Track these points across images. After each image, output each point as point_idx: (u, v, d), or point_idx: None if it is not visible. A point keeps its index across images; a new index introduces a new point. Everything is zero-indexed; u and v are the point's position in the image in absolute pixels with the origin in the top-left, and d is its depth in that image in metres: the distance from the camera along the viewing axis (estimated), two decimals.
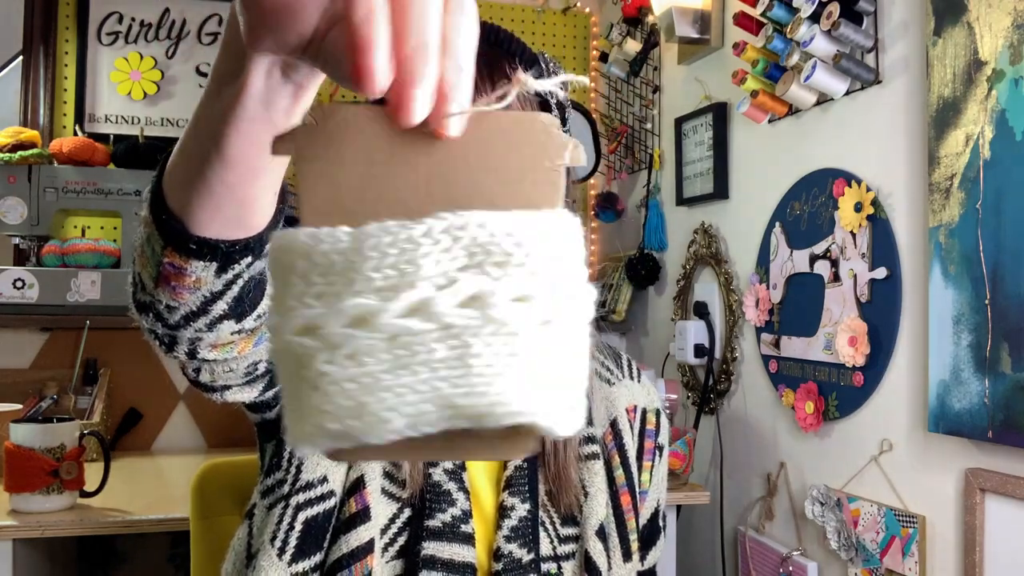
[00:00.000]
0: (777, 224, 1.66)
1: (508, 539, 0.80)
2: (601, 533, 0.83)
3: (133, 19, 2.22)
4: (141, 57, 2.21)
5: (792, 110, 1.62)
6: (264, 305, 0.56)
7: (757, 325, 1.71)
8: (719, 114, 1.87)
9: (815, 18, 1.45)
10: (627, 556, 0.84)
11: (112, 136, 2.11)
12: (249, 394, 0.71)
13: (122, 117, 2.20)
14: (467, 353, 0.30)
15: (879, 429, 1.41)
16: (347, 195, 0.31)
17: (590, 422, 0.87)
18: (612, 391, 0.90)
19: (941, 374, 1.24)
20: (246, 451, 1.64)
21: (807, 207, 1.58)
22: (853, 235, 1.45)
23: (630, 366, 0.94)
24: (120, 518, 1.40)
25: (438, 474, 0.80)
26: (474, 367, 0.30)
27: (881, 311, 1.40)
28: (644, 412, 0.91)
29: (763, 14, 1.56)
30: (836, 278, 1.49)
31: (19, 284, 1.85)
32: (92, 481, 1.45)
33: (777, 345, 1.65)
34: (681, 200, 2.04)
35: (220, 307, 0.55)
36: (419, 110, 0.32)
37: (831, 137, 1.53)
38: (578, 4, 2.58)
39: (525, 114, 0.34)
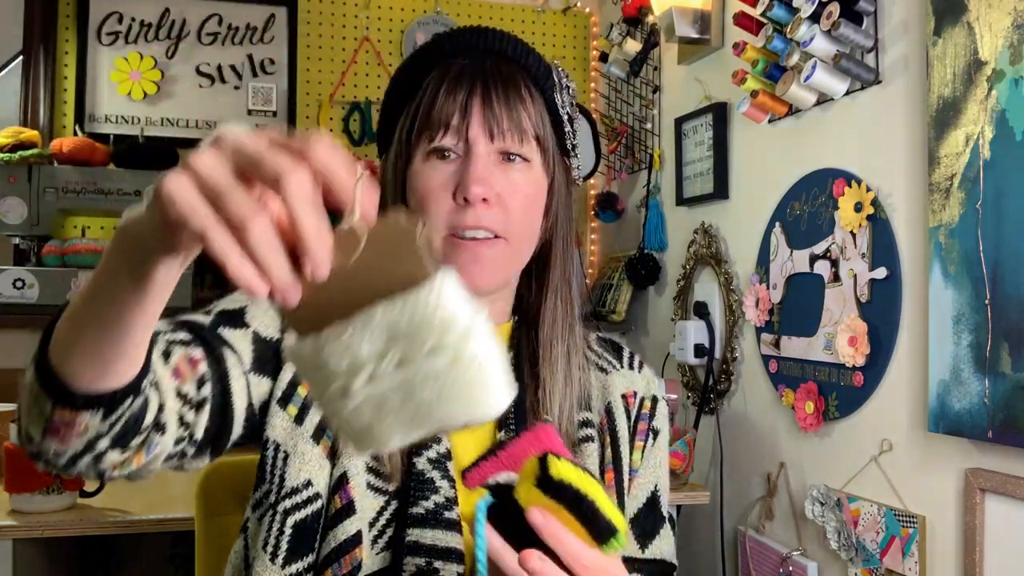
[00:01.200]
0: (777, 224, 1.66)
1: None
2: None
3: (133, 19, 2.22)
4: (141, 57, 2.21)
5: (792, 110, 1.62)
6: (144, 425, 0.62)
7: (757, 325, 1.71)
8: (719, 114, 1.87)
9: (815, 18, 1.45)
10: None
11: (112, 136, 2.12)
12: (203, 462, 0.75)
13: (122, 117, 2.20)
14: (412, 394, 0.46)
15: (879, 429, 1.41)
16: (304, 309, 0.44)
17: (587, 407, 0.89)
18: (608, 379, 0.92)
19: (941, 374, 1.24)
20: (247, 451, 1.64)
21: (807, 207, 1.58)
22: (853, 235, 1.45)
23: (631, 358, 0.96)
24: (120, 518, 1.40)
25: (422, 463, 0.81)
26: (422, 402, 0.46)
27: (881, 311, 1.40)
28: (643, 399, 0.93)
29: (763, 14, 1.56)
30: (836, 278, 1.49)
31: (19, 284, 1.85)
32: (92, 481, 1.45)
33: (777, 345, 1.65)
34: (681, 200, 2.04)
35: (104, 443, 0.60)
36: (289, 294, 0.42)
37: (831, 137, 1.53)
38: (578, 4, 2.58)
39: (386, 222, 0.45)
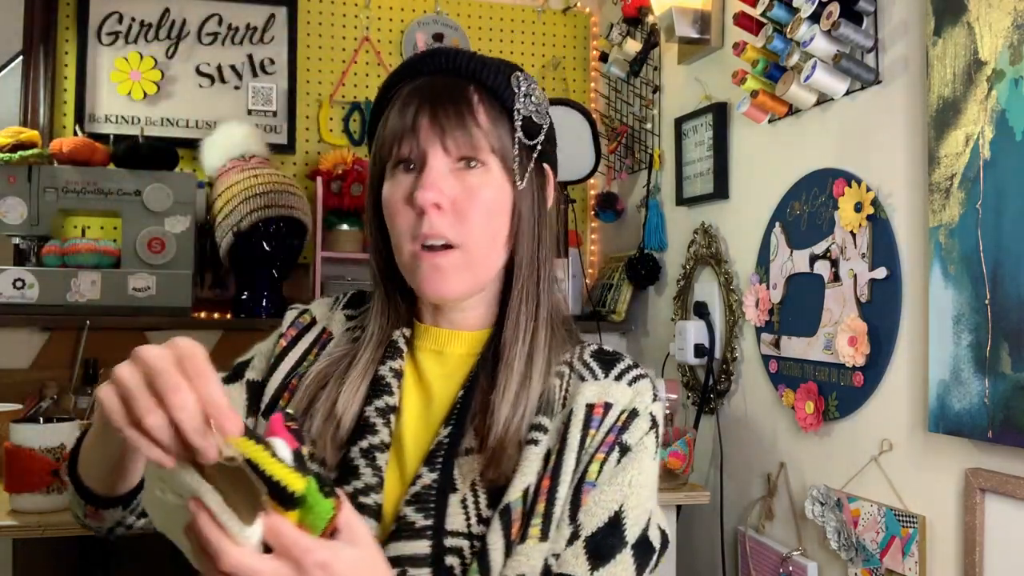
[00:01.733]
0: (777, 224, 1.66)
1: (408, 503, 0.84)
2: (505, 511, 0.82)
3: (133, 19, 2.22)
4: (141, 57, 2.21)
5: (792, 110, 1.62)
6: None
7: (757, 325, 1.71)
8: (719, 114, 1.87)
9: (815, 18, 1.45)
10: (523, 537, 0.81)
11: (112, 136, 2.11)
12: None
13: (122, 117, 2.20)
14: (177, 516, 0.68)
15: (879, 429, 1.41)
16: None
17: (548, 412, 0.87)
18: (580, 386, 0.89)
19: (941, 374, 1.24)
20: None
21: (807, 207, 1.58)
22: (853, 235, 1.45)
23: (625, 371, 0.91)
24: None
25: (353, 452, 0.88)
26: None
27: (881, 311, 1.40)
28: (620, 412, 0.88)
29: (763, 14, 1.56)
30: (836, 278, 1.49)
31: (19, 284, 1.85)
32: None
33: (777, 345, 1.65)
34: (681, 200, 2.04)
35: (130, 519, 0.90)
36: (166, 461, 0.62)
37: (831, 137, 1.53)
38: (578, 4, 2.58)
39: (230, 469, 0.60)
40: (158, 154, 2.00)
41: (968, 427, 1.19)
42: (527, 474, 0.84)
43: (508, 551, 0.81)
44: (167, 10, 2.24)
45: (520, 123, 0.91)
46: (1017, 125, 1.13)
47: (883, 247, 1.40)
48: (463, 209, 0.87)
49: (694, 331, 1.89)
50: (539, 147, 0.93)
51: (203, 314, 2.10)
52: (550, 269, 0.96)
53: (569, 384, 0.89)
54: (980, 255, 1.18)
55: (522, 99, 0.91)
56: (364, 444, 0.88)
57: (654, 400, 0.91)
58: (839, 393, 1.49)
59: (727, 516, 1.83)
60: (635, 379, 0.91)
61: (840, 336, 1.45)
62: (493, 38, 2.52)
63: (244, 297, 2.10)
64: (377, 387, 0.91)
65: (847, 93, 1.48)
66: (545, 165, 0.95)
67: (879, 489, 1.41)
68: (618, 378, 0.90)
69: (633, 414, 0.88)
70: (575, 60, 2.58)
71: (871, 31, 1.43)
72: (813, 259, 1.55)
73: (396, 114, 0.88)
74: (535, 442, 0.85)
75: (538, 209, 0.94)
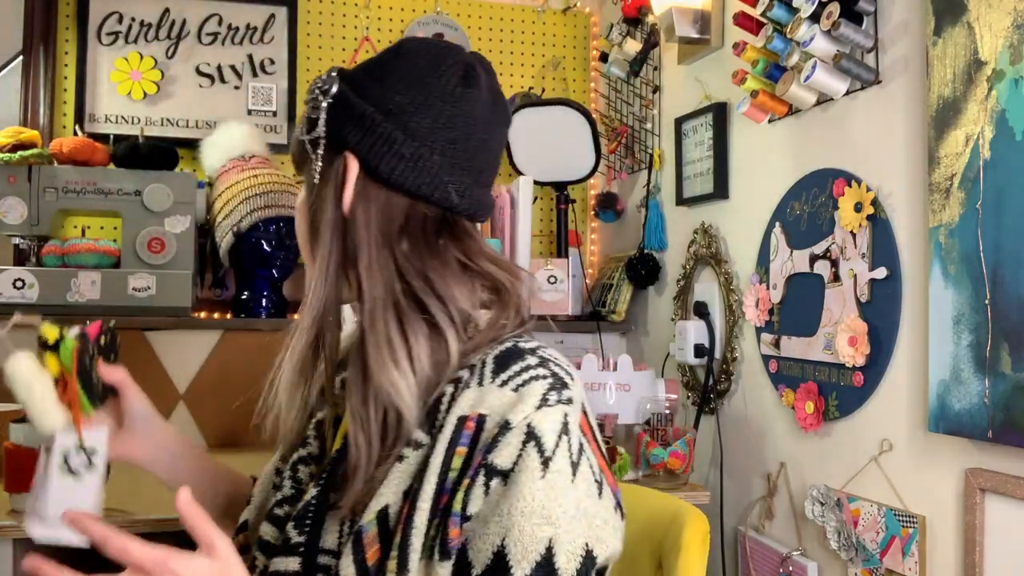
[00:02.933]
0: (777, 224, 1.66)
1: (292, 519, 0.84)
2: (357, 535, 0.76)
3: (133, 19, 2.22)
4: (141, 57, 2.21)
5: (792, 110, 1.62)
6: None
7: (757, 325, 1.71)
8: (719, 114, 1.87)
9: (815, 18, 1.45)
10: (382, 572, 0.75)
11: (112, 136, 2.11)
12: None
13: (122, 117, 2.20)
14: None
15: (879, 429, 1.41)
16: None
17: (426, 425, 0.78)
18: (462, 395, 0.77)
19: (941, 374, 1.24)
20: (247, 451, 1.65)
21: (807, 207, 1.58)
22: (853, 235, 1.45)
23: (516, 374, 0.77)
24: (120, 518, 1.40)
25: (284, 464, 0.91)
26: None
27: (881, 311, 1.40)
28: (495, 425, 0.74)
29: (763, 14, 1.56)
30: (836, 278, 1.49)
31: (19, 284, 1.85)
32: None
33: (777, 345, 1.65)
34: (681, 200, 2.04)
35: None
36: None
37: (831, 137, 1.53)
38: (578, 4, 2.58)
39: None
40: (158, 154, 2.00)
41: (968, 427, 1.19)
42: (384, 494, 0.76)
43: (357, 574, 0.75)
44: (167, 10, 2.24)
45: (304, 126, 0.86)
46: (1017, 125, 1.13)
47: (883, 247, 1.40)
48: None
49: (694, 331, 1.89)
50: (322, 138, 0.84)
51: (203, 314, 2.10)
52: (370, 256, 0.82)
53: (456, 393, 0.78)
54: (980, 255, 1.18)
55: (307, 104, 0.87)
56: (294, 456, 0.90)
57: (540, 407, 0.74)
58: (839, 393, 1.49)
59: (727, 516, 1.84)
60: (524, 383, 0.76)
61: (840, 336, 1.45)
62: (493, 38, 2.52)
63: (244, 297, 2.10)
64: (323, 397, 0.91)
65: (847, 93, 1.48)
66: (347, 153, 0.83)
67: (879, 489, 1.41)
68: (504, 384, 0.76)
69: (504, 428, 0.73)
70: (575, 60, 2.58)
71: (871, 31, 1.43)
72: (813, 259, 1.55)
73: None
74: (401, 458, 0.77)
75: (323, 203, 0.84)
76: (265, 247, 2.03)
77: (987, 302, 1.17)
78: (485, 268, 0.85)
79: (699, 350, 1.89)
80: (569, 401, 0.77)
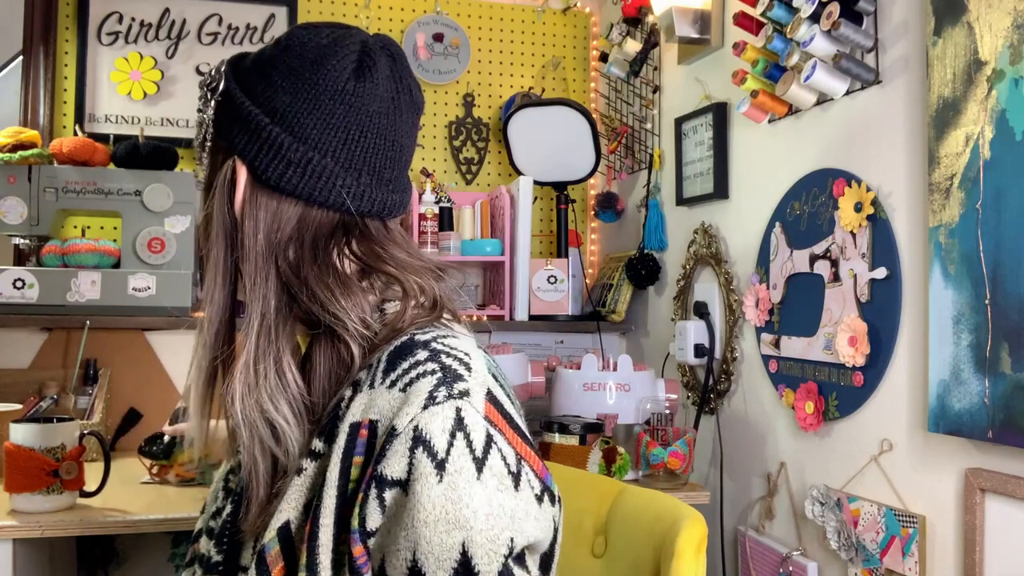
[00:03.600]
0: (777, 224, 1.66)
1: (211, 537, 0.82)
2: (260, 556, 0.71)
3: (133, 19, 2.22)
4: (141, 57, 2.21)
5: (792, 110, 1.62)
6: None
7: (757, 325, 1.71)
8: (719, 114, 1.87)
9: (815, 18, 1.45)
10: None
11: (112, 136, 2.12)
12: None
13: (122, 117, 2.20)
14: None
15: (879, 429, 1.41)
16: None
17: (323, 434, 0.72)
18: (354, 399, 0.72)
19: (941, 374, 1.24)
20: None
21: (807, 207, 1.58)
22: (853, 235, 1.45)
23: (405, 372, 0.70)
24: (120, 518, 1.40)
25: (227, 475, 0.88)
26: None
27: (881, 311, 1.40)
28: (386, 430, 0.68)
29: (763, 14, 1.56)
30: (836, 278, 1.49)
31: (19, 284, 1.85)
32: (92, 481, 1.45)
33: (777, 345, 1.65)
34: (681, 200, 2.04)
35: None
36: None
37: (831, 137, 1.53)
38: (578, 4, 2.58)
39: None
40: (158, 154, 2.00)
41: (968, 427, 1.19)
42: (284, 510, 0.71)
43: None
44: (167, 10, 2.24)
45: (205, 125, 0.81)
46: (1017, 125, 1.13)
47: (883, 247, 1.40)
48: None
49: (694, 331, 1.89)
50: (206, 138, 0.80)
51: (203, 314, 2.10)
52: (256, 266, 0.78)
53: (353, 396, 0.72)
54: (980, 255, 1.18)
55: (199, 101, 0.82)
56: (227, 466, 0.88)
57: (427, 407, 0.67)
58: (839, 393, 1.49)
59: (727, 516, 1.84)
60: (411, 381, 0.69)
61: (840, 336, 1.45)
62: (493, 38, 2.52)
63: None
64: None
65: (847, 93, 1.48)
66: (236, 158, 0.79)
67: (879, 489, 1.41)
68: (392, 384, 0.70)
69: (391, 435, 0.67)
70: (575, 60, 2.58)
71: (871, 31, 1.43)
72: (813, 259, 1.55)
73: None
74: (300, 471, 0.72)
75: (211, 208, 0.81)
76: None
77: (987, 302, 1.17)
78: (385, 269, 0.79)
79: (699, 350, 1.89)
80: (462, 394, 0.69)
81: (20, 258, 2.01)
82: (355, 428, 0.69)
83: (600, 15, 2.59)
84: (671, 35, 1.90)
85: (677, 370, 2.04)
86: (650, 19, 2.12)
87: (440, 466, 0.66)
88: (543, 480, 0.72)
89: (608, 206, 2.38)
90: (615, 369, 1.86)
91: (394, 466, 0.66)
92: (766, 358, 1.69)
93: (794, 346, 1.60)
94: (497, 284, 2.32)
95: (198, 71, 2.26)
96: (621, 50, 2.16)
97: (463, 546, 0.65)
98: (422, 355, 0.71)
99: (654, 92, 2.20)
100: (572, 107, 2.23)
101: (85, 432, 1.48)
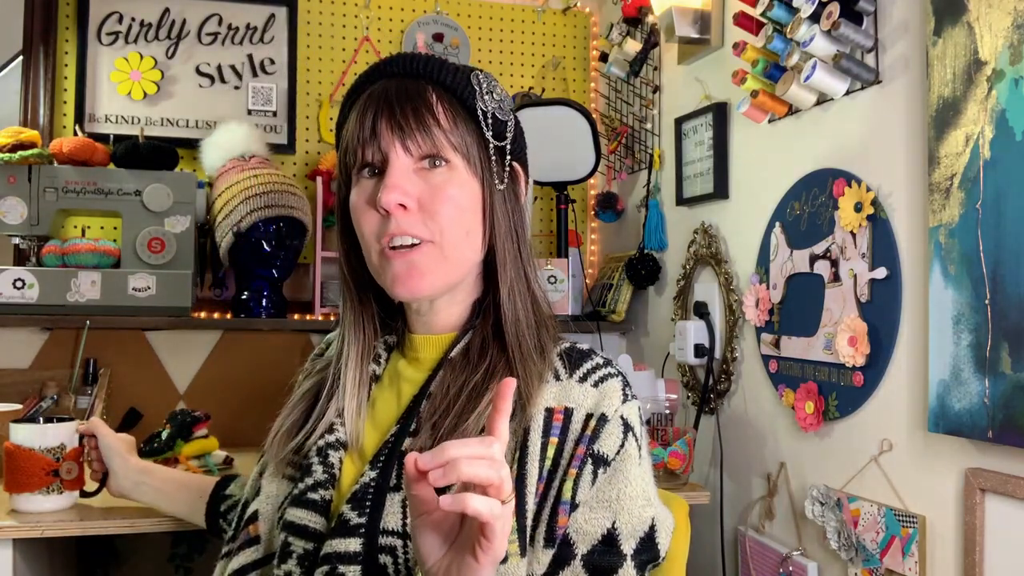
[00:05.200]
0: (777, 224, 1.66)
1: (347, 501, 0.84)
2: None
3: (133, 19, 2.22)
4: (141, 57, 2.21)
5: (792, 110, 1.62)
6: None
7: (757, 325, 1.71)
8: (719, 114, 1.87)
9: (815, 18, 1.45)
10: (504, 557, 0.79)
11: (112, 136, 2.11)
12: None
13: (122, 117, 2.20)
14: None
15: (879, 429, 1.41)
16: None
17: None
18: (542, 388, 0.85)
19: (941, 374, 1.24)
20: (248, 451, 1.64)
21: (807, 207, 1.58)
22: (853, 235, 1.45)
23: (592, 371, 0.87)
24: (120, 518, 1.40)
25: (312, 453, 0.90)
26: None
27: (881, 311, 1.40)
28: (586, 417, 0.83)
29: (763, 14, 1.56)
30: (836, 278, 1.49)
31: (19, 284, 1.85)
32: (92, 481, 1.45)
33: (777, 345, 1.65)
34: (681, 200, 2.04)
35: None
36: None
37: (831, 137, 1.53)
38: (578, 4, 2.58)
39: None
40: (158, 154, 2.00)
41: (968, 427, 1.19)
42: None
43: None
44: (167, 10, 2.24)
45: (486, 121, 0.89)
46: (1017, 125, 1.13)
47: (883, 247, 1.40)
48: (430, 206, 0.86)
49: (694, 331, 1.89)
50: (508, 145, 0.91)
51: (203, 314, 2.10)
52: (535, 266, 0.95)
53: (530, 384, 0.85)
54: (980, 255, 1.18)
55: (484, 96, 0.90)
56: (321, 443, 0.90)
57: (624, 401, 0.85)
58: (839, 393, 1.49)
59: (727, 516, 1.84)
60: (601, 380, 0.85)
61: (840, 336, 1.45)
62: (493, 38, 2.52)
63: (244, 297, 2.10)
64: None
65: (847, 93, 1.48)
66: (516, 164, 0.93)
67: (879, 489, 1.41)
68: (582, 380, 0.85)
69: (602, 420, 0.82)
70: (575, 60, 2.58)
71: (871, 31, 1.43)
72: (813, 259, 1.55)
73: (356, 120, 0.88)
74: None
75: (512, 208, 0.92)
76: (265, 247, 2.03)
77: (987, 302, 1.17)
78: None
79: (699, 350, 1.89)
80: (636, 397, 0.88)
81: (20, 258, 2.01)
82: (550, 412, 0.83)
83: (600, 15, 2.59)
84: (671, 35, 1.90)
85: (677, 370, 2.04)
86: (650, 19, 2.12)
87: (639, 450, 0.84)
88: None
89: (608, 206, 2.38)
90: None
91: (608, 446, 0.82)
92: (766, 358, 1.69)
93: (794, 346, 1.60)
94: None
95: (198, 71, 2.26)
96: (621, 50, 2.16)
97: (653, 520, 0.82)
98: (599, 360, 0.88)
99: (654, 92, 2.20)
100: (572, 107, 2.23)
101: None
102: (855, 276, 1.44)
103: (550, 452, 0.81)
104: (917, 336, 1.33)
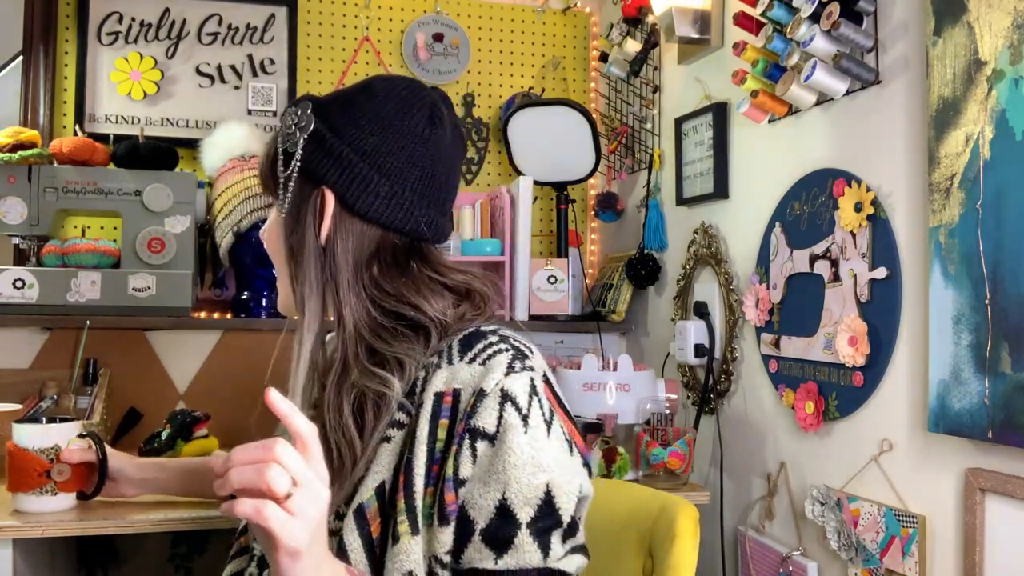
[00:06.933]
0: (777, 224, 1.66)
1: None
2: (359, 511, 0.84)
3: (133, 19, 2.22)
4: (141, 57, 2.21)
5: (792, 110, 1.62)
6: None
7: (757, 325, 1.71)
8: (719, 114, 1.87)
9: (815, 18, 1.45)
10: (395, 537, 0.82)
11: (112, 136, 2.11)
12: None
13: (122, 117, 2.20)
14: None
15: (879, 429, 1.41)
16: None
17: (403, 407, 0.87)
18: (434, 375, 0.87)
19: (941, 374, 1.24)
20: None
21: (807, 207, 1.58)
22: (853, 235, 1.45)
23: (482, 351, 0.87)
24: (120, 518, 1.40)
25: None
26: None
27: (881, 311, 1.40)
28: (471, 395, 0.84)
29: (763, 14, 1.56)
30: (836, 278, 1.49)
31: (19, 284, 1.85)
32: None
33: (777, 345, 1.65)
34: (681, 200, 2.04)
35: None
36: None
37: (831, 137, 1.53)
38: (578, 4, 2.58)
39: None
40: (158, 154, 1.99)
41: (968, 427, 1.19)
42: (379, 472, 0.85)
43: (371, 551, 0.83)
44: (167, 10, 2.24)
45: (279, 158, 0.95)
46: (1017, 125, 1.13)
47: (883, 247, 1.40)
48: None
49: (694, 331, 1.89)
50: (294, 171, 0.94)
51: (203, 314, 2.10)
52: (347, 279, 0.92)
53: (428, 375, 0.87)
54: (980, 255, 1.18)
55: (281, 136, 0.96)
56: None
57: (508, 373, 0.84)
58: (839, 393, 1.49)
59: (727, 516, 1.84)
60: (489, 357, 0.86)
61: (840, 336, 1.45)
62: (493, 38, 2.52)
63: (244, 297, 2.10)
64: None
65: (847, 93, 1.48)
66: (324, 188, 0.93)
67: (879, 489, 1.41)
68: (471, 360, 0.86)
69: (480, 395, 0.83)
70: (575, 60, 2.58)
71: (871, 31, 1.43)
72: (813, 259, 1.55)
73: None
74: (388, 439, 0.86)
75: (303, 232, 0.93)
76: (265, 247, 2.03)
77: (987, 302, 1.17)
78: (454, 277, 0.95)
79: (699, 350, 1.89)
80: (532, 369, 0.87)
81: (20, 258, 2.01)
82: (440, 396, 0.85)
83: (600, 15, 2.59)
84: (671, 35, 1.90)
85: (677, 370, 2.04)
86: (650, 19, 2.12)
87: (524, 420, 0.82)
88: (583, 456, 0.88)
89: (608, 206, 2.38)
90: (615, 369, 1.86)
91: (486, 419, 0.82)
92: (766, 358, 1.69)
93: (794, 346, 1.60)
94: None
95: (198, 71, 2.26)
96: (621, 50, 2.16)
97: (547, 486, 0.81)
98: (493, 339, 0.88)
99: (654, 92, 2.20)
100: (572, 107, 2.23)
101: (83, 433, 1.47)
102: (855, 276, 1.44)
103: (441, 434, 0.84)
104: (917, 336, 1.33)
